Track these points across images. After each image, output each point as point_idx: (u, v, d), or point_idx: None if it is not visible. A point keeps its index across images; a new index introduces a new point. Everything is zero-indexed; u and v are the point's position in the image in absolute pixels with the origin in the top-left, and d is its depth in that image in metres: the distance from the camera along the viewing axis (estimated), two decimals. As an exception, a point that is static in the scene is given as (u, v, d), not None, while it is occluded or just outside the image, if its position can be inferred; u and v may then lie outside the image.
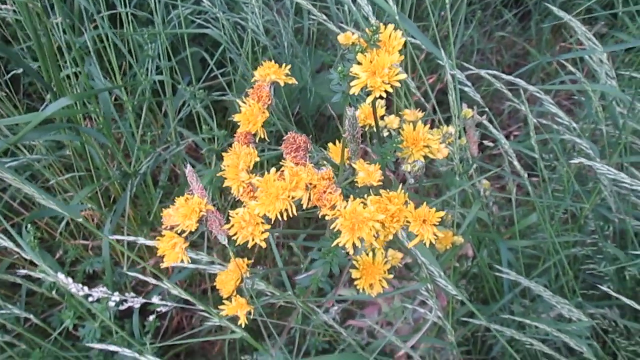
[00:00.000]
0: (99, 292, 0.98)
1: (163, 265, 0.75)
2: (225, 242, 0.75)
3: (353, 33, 0.72)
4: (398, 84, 0.66)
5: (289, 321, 1.08)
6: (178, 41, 1.62)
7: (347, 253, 0.97)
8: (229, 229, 0.68)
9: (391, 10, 1.15)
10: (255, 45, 1.54)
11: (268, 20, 1.58)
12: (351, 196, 0.65)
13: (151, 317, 1.31)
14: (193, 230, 0.72)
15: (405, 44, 0.72)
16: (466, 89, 1.27)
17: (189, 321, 1.75)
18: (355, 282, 0.93)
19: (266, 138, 0.79)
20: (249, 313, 0.85)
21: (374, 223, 0.63)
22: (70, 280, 0.97)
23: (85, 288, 0.97)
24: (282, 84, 0.81)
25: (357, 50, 0.68)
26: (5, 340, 1.23)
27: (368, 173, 0.69)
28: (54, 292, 1.16)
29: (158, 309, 1.03)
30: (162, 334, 1.65)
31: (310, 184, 0.66)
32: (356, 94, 0.68)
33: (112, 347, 0.96)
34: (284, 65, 0.81)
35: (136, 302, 0.99)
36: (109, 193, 1.39)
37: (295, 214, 0.65)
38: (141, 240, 0.91)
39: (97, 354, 1.37)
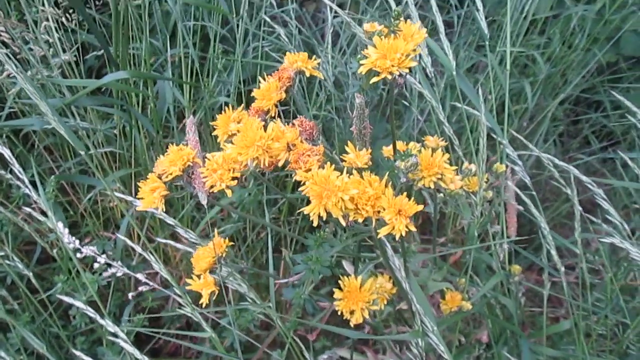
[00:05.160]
0: (88, 249, 0.97)
1: (138, 209, 0.74)
2: (204, 201, 0.73)
3: (381, 25, 0.73)
4: (407, 70, 0.65)
5: (265, 342, 1.01)
6: (254, 73, 1.70)
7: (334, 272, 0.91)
8: (204, 173, 0.67)
9: (449, 65, 1.15)
10: (320, 92, 1.58)
11: (342, 72, 1.63)
12: (328, 163, 0.62)
13: (142, 315, 1.28)
14: (176, 174, 0.71)
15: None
16: (516, 167, 1.20)
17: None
18: (336, 303, 0.87)
19: (277, 117, 0.79)
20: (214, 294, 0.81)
21: (343, 195, 0.59)
22: (66, 230, 0.98)
23: (77, 242, 0.97)
24: (307, 74, 0.82)
25: (377, 34, 0.68)
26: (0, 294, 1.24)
27: (357, 155, 0.66)
28: (54, 251, 1.17)
29: (141, 287, 1.01)
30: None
31: (293, 145, 0.64)
32: (363, 73, 0.67)
33: (77, 303, 0.93)
34: (314, 57, 0.82)
35: (120, 270, 0.97)
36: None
37: (267, 165, 0.62)
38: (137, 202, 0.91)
39: (82, 342, 1.34)
